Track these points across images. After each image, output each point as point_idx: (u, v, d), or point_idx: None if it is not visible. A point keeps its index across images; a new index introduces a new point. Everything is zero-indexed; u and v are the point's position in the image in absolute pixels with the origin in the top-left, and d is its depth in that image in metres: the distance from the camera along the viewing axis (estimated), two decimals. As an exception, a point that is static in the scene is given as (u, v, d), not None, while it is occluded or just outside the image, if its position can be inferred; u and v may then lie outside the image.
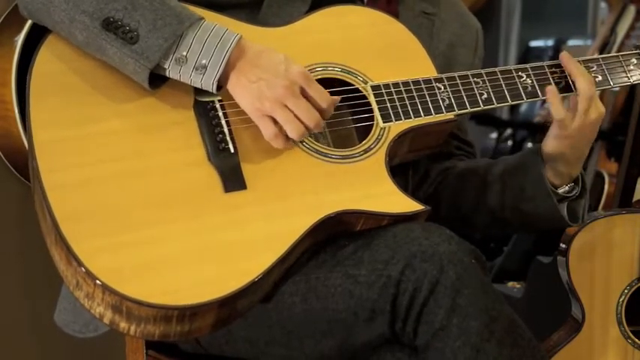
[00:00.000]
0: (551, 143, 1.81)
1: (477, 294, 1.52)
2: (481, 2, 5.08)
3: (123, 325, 1.52)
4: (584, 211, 1.87)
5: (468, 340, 1.50)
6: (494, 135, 5.28)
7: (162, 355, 1.78)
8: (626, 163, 2.86)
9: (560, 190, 1.83)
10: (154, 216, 1.56)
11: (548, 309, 2.50)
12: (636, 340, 2.17)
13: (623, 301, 2.17)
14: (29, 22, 2.39)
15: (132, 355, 1.80)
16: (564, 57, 1.83)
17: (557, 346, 2.18)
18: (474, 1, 5.10)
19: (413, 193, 1.83)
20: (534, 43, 6.44)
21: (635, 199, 2.73)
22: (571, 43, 6.14)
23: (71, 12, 1.59)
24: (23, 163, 2.47)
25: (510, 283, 3.49)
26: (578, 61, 1.83)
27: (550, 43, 6.25)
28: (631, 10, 4.31)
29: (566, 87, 1.82)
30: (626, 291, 2.17)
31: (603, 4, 5.39)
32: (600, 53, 4.33)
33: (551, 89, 1.79)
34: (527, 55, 6.38)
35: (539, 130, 4.95)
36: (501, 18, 6.61)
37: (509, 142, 5.29)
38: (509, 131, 5.30)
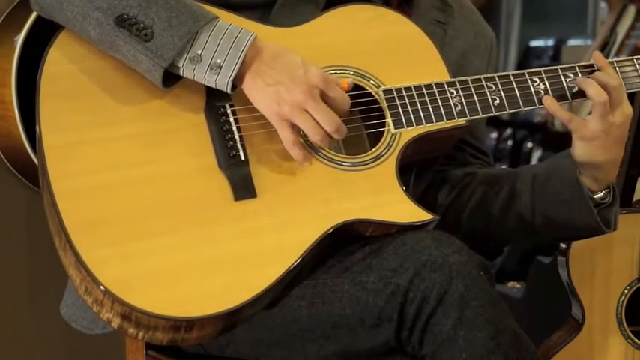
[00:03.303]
0: (578, 146, 1.75)
1: (485, 306, 1.51)
2: (481, 2, 5.08)
3: (131, 330, 1.52)
4: (616, 218, 1.81)
5: (474, 352, 1.49)
6: (494, 135, 5.29)
7: (163, 355, 1.78)
8: (626, 163, 2.85)
9: (596, 197, 1.78)
10: (164, 224, 1.55)
11: (548, 309, 2.50)
12: (636, 340, 2.17)
13: (623, 301, 2.17)
14: (29, 22, 2.39)
15: (132, 355, 1.80)
16: (596, 56, 1.76)
17: (557, 346, 2.18)
18: (473, 1, 5.10)
19: (424, 199, 1.82)
20: (534, 43, 6.45)
21: (635, 199, 2.73)
22: (571, 43, 6.15)
23: (85, 8, 1.57)
24: (23, 163, 2.47)
25: (510, 283, 3.49)
26: (611, 62, 1.77)
27: (550, 43, 6.26)
28: (631, 10, 4.31)
29: (580, 91, 1.76)
30: (626, 291, 2.17)
31: (603, 4, 5.39)
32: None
33: (548, 99, 1.73)
34: (527, 55, 6.38)
35: (539, 130, 4.95)
36: (501, 18, 6.62)
37: (509, 142, 5.29)
38: (509, 131, 5.31)
